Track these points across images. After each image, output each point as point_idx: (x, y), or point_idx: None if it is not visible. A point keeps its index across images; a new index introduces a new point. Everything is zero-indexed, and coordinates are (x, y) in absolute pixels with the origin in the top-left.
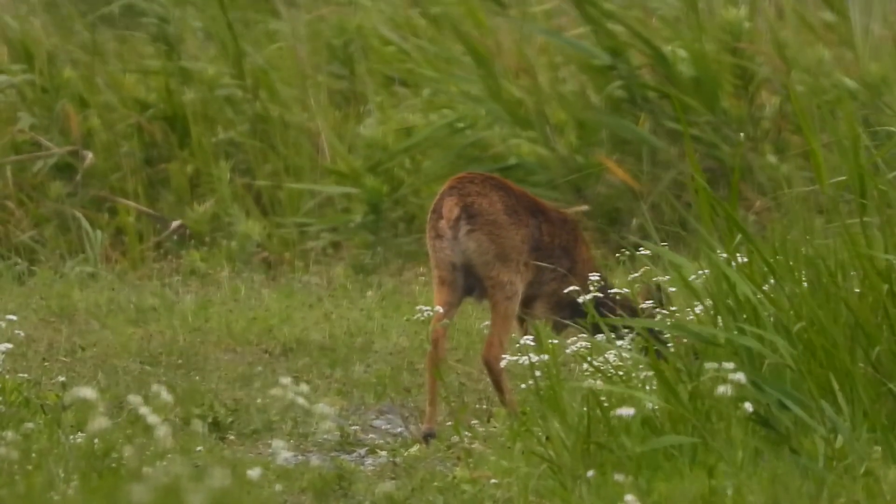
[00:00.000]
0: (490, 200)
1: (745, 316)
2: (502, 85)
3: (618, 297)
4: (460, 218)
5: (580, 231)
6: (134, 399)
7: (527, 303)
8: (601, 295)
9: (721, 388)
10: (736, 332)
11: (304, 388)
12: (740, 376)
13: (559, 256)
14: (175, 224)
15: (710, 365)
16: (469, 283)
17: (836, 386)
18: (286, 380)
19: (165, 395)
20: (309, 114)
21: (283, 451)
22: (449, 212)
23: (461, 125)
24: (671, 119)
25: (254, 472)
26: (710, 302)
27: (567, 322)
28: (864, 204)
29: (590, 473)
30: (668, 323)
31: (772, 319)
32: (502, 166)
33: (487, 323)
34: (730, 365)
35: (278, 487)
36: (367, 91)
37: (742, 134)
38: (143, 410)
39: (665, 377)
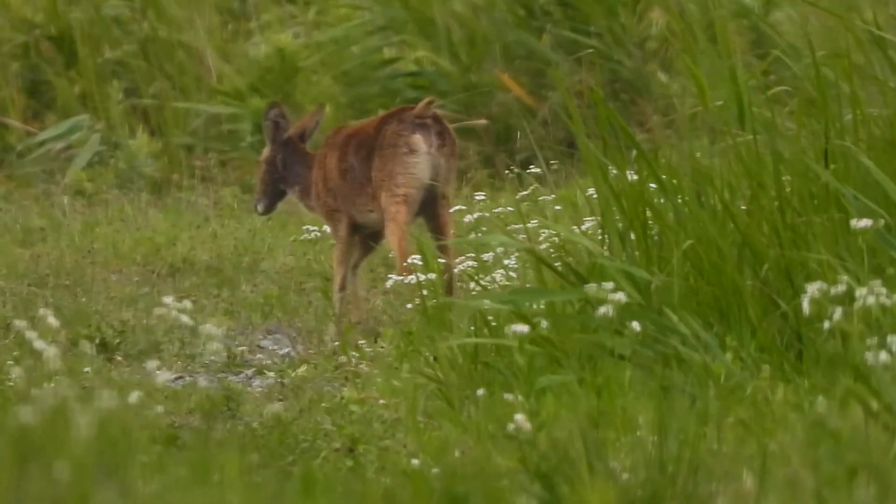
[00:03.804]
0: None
1: (632, 235)
2: None
3: None
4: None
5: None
6: (20, 323)
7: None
8: None
9: (602, 309)
10: (622, 259)
11: (188, 305)
12: (620, 296)
13: None
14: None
15: (589, 286)
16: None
17: (724, 305)
18: (170, 299)
19: (52, 319)
20: (196, 33)
21: (162, 373)
22: (425, 107)
23: (352, 37)
24: (569, 31)
25: (140, 394)
26: (598, 220)
27: None
28: (750, 124)
29: (479, 392)
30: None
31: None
32: (394, 74)
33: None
34: (609, 285)
35: (162, 409)
36: (255, 9)
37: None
38: (30, 334)
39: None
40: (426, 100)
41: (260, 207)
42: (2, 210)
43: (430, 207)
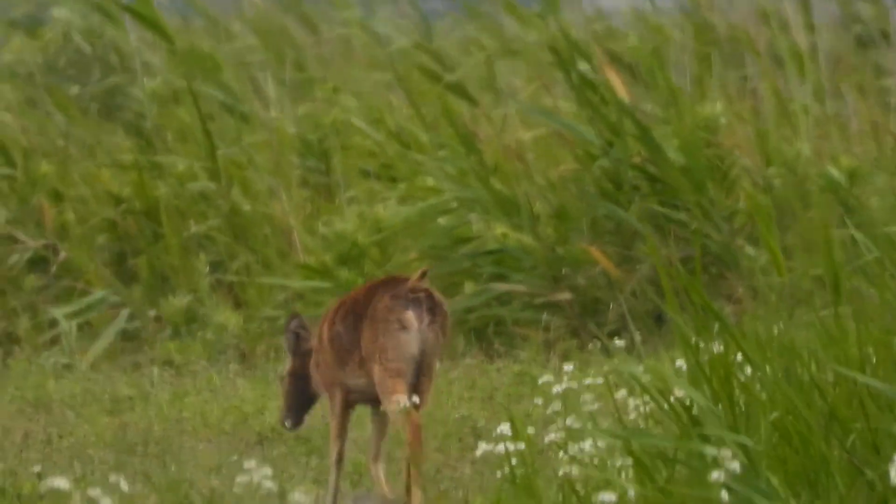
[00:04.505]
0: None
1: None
2: (487, 170)
3: None
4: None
5: None
6: (99, 492)
7: None
8: None
9: (715, 474)
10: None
11: (268, 471)
12: (735, 465)
13: None
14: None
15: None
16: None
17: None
18: (251, 464)
19: (124, 486)
20: (281, 207)
21: None
22: (419, 279)
23: (435, 212)
24: (658, 206)
25: None
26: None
27: None
28: (838, 297)
29: None
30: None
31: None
32: (479, 252)
33: (462, 412)
34: (716, 450)
35: None
36: (342, 184)
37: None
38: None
39: (643, 464)
40: (420, 271)
41: (288, 423)
42: (90, 380)
43: (412, 377)
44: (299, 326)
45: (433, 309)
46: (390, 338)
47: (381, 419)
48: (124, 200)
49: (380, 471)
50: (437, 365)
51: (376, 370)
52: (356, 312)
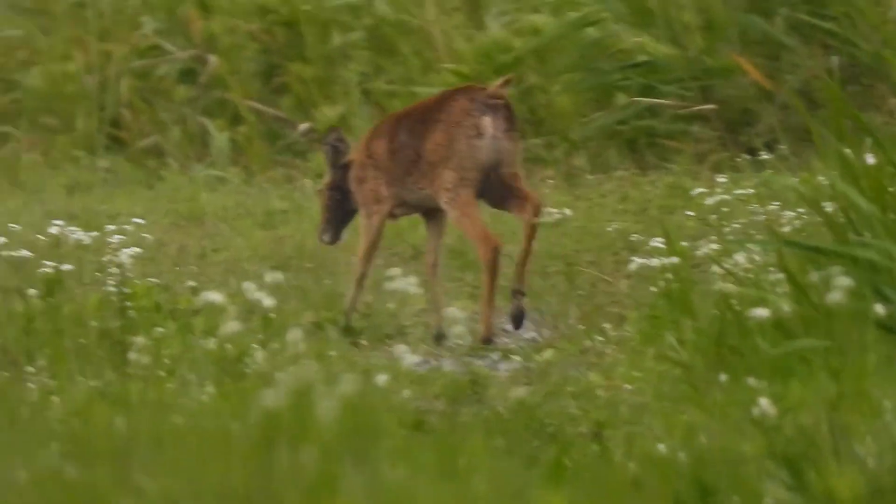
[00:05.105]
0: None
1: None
2: None
3: None
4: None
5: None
6: (267, 303)
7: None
8: None
9: (835, 295)
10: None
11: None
12: (847, 281)
13: None
14: (304, 127)
15: (825, 273)
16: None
17: None
18: (414, 285)
19: (297, 302)
20: (427, 17)
21: (407, 357)
22: (501, 86)
23: (583, 23)
24: (805, 15)
25: (385, 378)
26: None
27: None
28: None
29: (722, 378)
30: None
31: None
32: (628, 64)
33: (616, 225)
34: (836, 269)
35: (408, 393)
36: None
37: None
38: (272, 314)
39: (796, 281)
40: (504, 78)
41: (326, 237)
42: (242, 193)
43: (500, 187)
44: (337, 139)
45: (509, 117)
46: (465, 143)
47: (437, 225)
48: (272, 11)
49: (438, 281)
50: (522, 171)
51: (447, 175)
52: (425, 120)
